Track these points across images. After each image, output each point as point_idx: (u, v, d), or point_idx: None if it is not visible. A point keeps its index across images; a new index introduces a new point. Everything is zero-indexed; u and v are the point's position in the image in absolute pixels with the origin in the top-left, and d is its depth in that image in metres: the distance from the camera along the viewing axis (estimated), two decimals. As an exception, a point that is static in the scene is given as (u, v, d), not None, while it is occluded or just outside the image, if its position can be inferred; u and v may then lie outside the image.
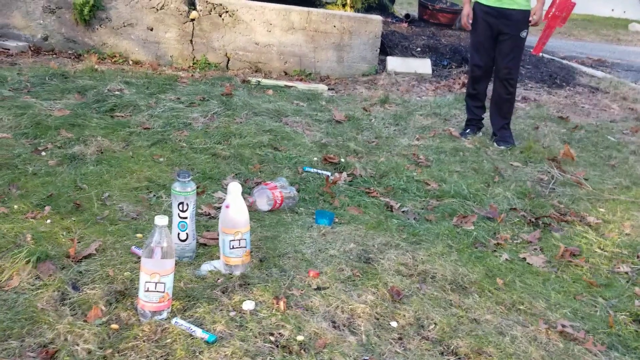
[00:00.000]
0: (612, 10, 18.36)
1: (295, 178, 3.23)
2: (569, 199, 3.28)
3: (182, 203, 2.15)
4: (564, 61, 7.82)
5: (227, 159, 3.40)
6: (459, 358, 1.81)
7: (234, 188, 2.14)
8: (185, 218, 2.16)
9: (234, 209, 2.13)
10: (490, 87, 4.37)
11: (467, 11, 4.21)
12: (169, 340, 1.73)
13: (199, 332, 1.76)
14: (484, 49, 4.19)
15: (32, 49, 5.90)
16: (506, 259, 2.50)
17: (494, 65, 4.24)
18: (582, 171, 3.75)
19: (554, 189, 3.44)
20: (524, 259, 2.54)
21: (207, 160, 3.33)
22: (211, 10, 6.09)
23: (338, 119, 4.49)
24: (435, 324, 1.96)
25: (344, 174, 3.36)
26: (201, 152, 3.46)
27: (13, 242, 2.19)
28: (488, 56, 4.20)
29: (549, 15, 5.53)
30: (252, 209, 2.69)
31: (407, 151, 3.92)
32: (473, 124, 4.48)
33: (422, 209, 3.04)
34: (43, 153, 3.19)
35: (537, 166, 3.79)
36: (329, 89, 5.82)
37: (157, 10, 6.00)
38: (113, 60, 5.94)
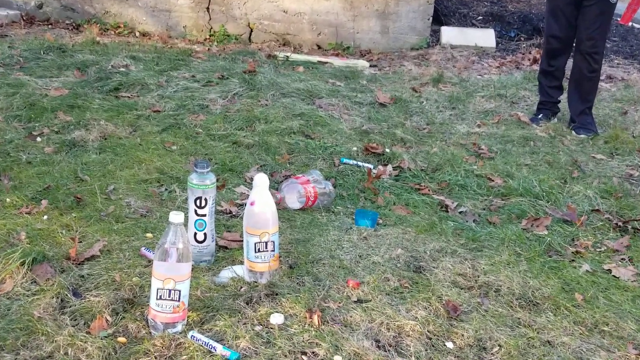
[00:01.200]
0: None
1: (331, 171, 3.25)
2: (665, 200, 3.22)
3: (199, 198, 2.19)
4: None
5: (251, 147, 3.44)
6: (529, 387, 1.80)
7: (260, 181, 2.17)
8: (204, 216, 2.20)
9: (260, 206, 2.16)
10: (569, 63, 4.30)
11: None
12: (184, 357, 1.77)
13: (219, 349, 1.79)
14: (564, 15, 4.11)
15: (24, 18, 6.07)
16: (587, 271, 2.47)
17: (574, 37, 4.15)
18: (682, 166, 3.67)
19: (647, 187, 3.37)
20: (609, 270, 2.50)
21: (227, 149, 3.38)
22: (232, -28, 6.15)
23: (382, 101, 4.49)
24: (500, 346, 1.95)
25: (389, 167, 3.36)
26: (220, 139, 3.51)
27: (5, 241, 2.26)
28: (568, 25, 4.11)
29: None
30: (281, 207, 2.72)
31: (465, 140, 3.90)
32: (547, 107, 4.42)
33: (484, 209, 3.02)
34: (38, 139, 3.29)
35: (626, 159, 3.73)
36: (370, 66, 5.83)
37: (169, -28, 6.10)
38: (117, 31, 6.07)
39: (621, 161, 3.72)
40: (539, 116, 4.38)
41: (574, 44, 4.20)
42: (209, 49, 5.73)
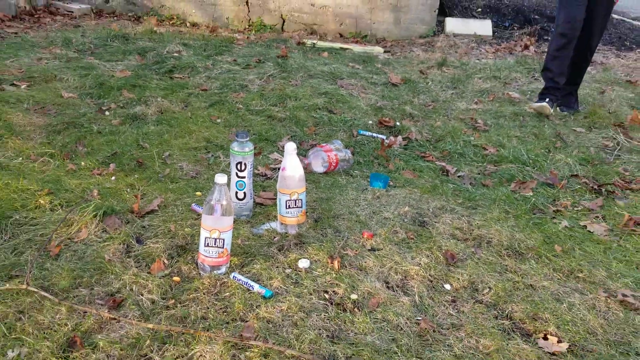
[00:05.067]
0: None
1: (350, 141, 3.22)
2: (635, 167, 3.14)
3: (240, 163, 2.19)
4: (635, 22, 7.37)
5: (283, 121, 3.43)
6: (514, 322, 1.80)
7: (290, 147, 2.16)
8: (244, 177, 2.20)
9: (290, 170, 2.16)
10: None
11: None
12: (227, 294, 1.79)
13: (256, 287, 1.81)
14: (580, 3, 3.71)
15: (94, 11, 6.06)
16: (566, 226, 2.44)
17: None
18: (651, 138, 3.58)
19: (620, 155, 3.30)
20: (585, 226, 2.46)
21: (263, 122, 3.37)
22: (267, -29, 6.05)
23: (394, 81, 4.42)
24: (489, 288, 1.94)
25: (400, 138, 3.33)
26: (257, 114, 3.50)
27: (81, 197, 2.30)
28: (585, 9, 3.71)
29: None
30: (308, 171, 2.71)
31: (464, 115, 3.84)
32: (555, 92, 3.97)
33: (479, 174, 2.98)
34: (107, 113, 3.31)
35: (602, 132, 3.64)
36: (385, 52, 5.73)
37: (214, -29, 6.02)
38: (171, 22, 6.03)
39: (598, 134, 3.64)
40: (547, 100, 3.94)
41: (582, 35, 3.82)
42: (248, 37, 5.67)
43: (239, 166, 2.20)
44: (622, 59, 5.83)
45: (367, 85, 4.28)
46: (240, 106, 3.59)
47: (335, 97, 3.89)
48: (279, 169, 2.26)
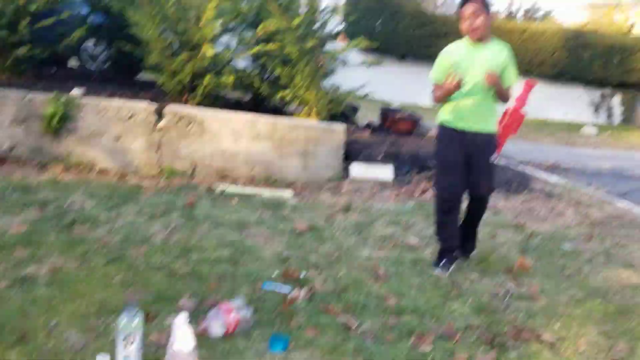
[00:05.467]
0: (566, 114, 19.46)
1: (253, 296, 3.19)
2: (524, 314, 3.29)
3: (127, 337, 2.09)
4: (520, 166, 8.14)
5: (185, 277, 3.35)
6: None
7: (180, 320, 2.10)
8: (129, 356, 2.09)
9: (179, 345, 2.08)
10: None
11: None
12: None
13: None
14: (456, 168, 3.82)
15: (-3, 159, 5.89)
16: (462, 384, 2.46)
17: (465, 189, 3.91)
18: (538, 283, 3.80)
19: (510, 303, 3.45)
20: (480, 383, 2.50)
21: (163, 279, 3.28)
22: (179, 121, 6.24)
23: (300, 229, 4.52)
24: None
25: (304, 290, 3.33)
26: (158, 269, 3.41)
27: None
28: (461, 177, 3.83)
29: (502, 125, 5.85)
30: (204, 336, 2.62)
31: (367, 263, 3.94)
32: (449, 255, 3.97)
33: (381, 326, 3.01)
34: (-6, 274, 3.10)
35: (494, 279, 3.83)
36: (294, 196, 5.90)
37: (126, 120, 6.13)
38: (79, 169, 5.96)
39: (490, 280, 3.82)
40: (444, 261, 3.91)
41: (469, 192, 3.95)
42: (157, 184, 5.68)
43: (125, 341, 2.09)
44: (510, 201, 6.32)
45: (274, 233, 4.34)
46: (141, 261, 3.50)
47: (240, 248, 3.90)
48: (169, 344, 2.17)
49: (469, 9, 3.65)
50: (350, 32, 19.43)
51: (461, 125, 3.79)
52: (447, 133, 3.87)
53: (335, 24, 8.22)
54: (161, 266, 3.47)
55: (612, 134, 16.95)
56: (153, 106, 6.14)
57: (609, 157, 11.60)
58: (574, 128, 17.27)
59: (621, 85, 20.28)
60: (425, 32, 18.75)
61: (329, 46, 7.77)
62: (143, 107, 6.12)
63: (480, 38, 3.72)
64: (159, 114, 6.22)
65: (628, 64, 19.82)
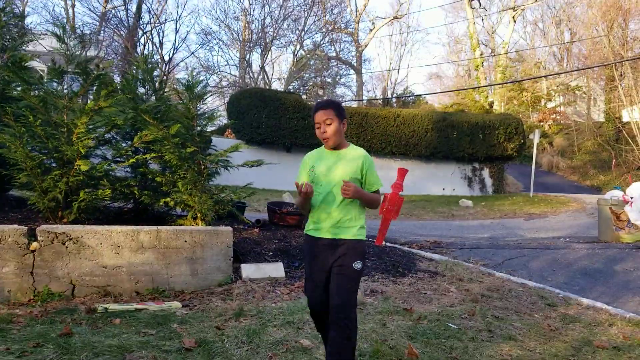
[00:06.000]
0: (444, 189, 20.85)
1: None
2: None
3: None
4: (405, 247, 8.47)
5: (57, 423, 3.04)
6: None
7: None
8: None
9: None
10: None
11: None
12: None
13: None
14: (319, 282, 3.57)
15: None
16: None
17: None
18: (427, 371, 3.87)
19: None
20: None
21: None
22: (53, 240, 5.89)
23: (188, 346, 4.31)
24: None
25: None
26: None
27: None
28: (324, 291, 3.55)
29: (384, 210, 6.09)
30: None
31: (259, 375, 3.81)
32: None
33: None
34: None
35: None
36: (183, 306, 5.66)
37: (-7, 246, 5.68)
38: (-63, 305, 5.36)
39: (382, 375, 3.83)
40: None
41: (330, 314, 3.45)
42: (31, 311, 5.23)
43: None
44: (398, 284, 6.50)
45: (159, 355, 4.10)
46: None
47: (122, 378, 3.62)
48: None
49: (321, 116, 3.54)
50: (237, 127, 19.87)
51: (318, 234, 3.56)
52: (308, 241, 3.65)
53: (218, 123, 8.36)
54: (29, 414, 3.12)
55: (486, 204, 18.31)
56: (24, 228, 5.77)
57: (486, 227, 12.45)
58: (453, 201, 18.46)
59: (488, 160, 22.22)
60: (309, 123, 19.64)
61: (211, 150, 7.86)
62: (13, 230, 5.73)
63: (334, 146, 3.59)
64: (32, 235, 5.85)
65: (491, 140, 21.86)
